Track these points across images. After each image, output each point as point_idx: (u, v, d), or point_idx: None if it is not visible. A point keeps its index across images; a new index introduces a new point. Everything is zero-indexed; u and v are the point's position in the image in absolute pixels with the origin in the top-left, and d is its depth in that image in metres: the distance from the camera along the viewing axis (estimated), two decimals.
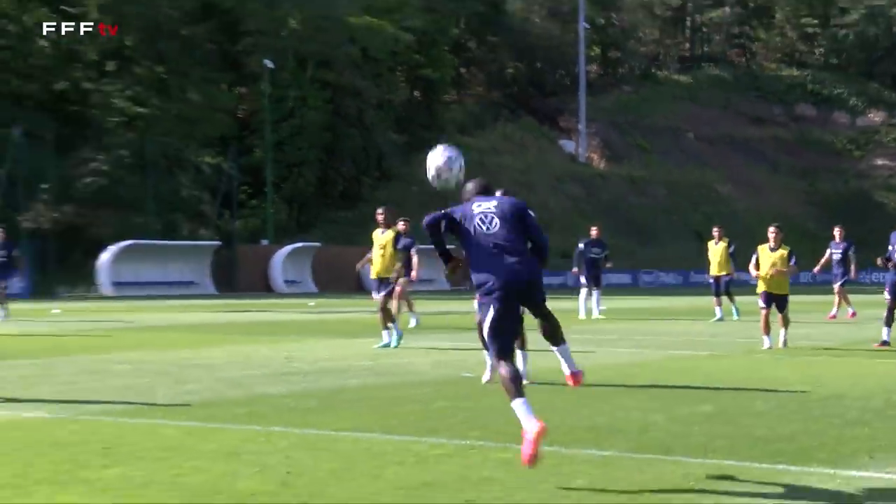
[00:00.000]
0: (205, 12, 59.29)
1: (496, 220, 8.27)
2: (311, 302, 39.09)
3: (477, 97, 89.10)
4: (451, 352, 17.95)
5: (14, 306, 30.25)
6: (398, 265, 19.58)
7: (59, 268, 50.15)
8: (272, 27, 60.39)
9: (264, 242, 56.27)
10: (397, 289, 20.43)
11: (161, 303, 39.47)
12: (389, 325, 18.77)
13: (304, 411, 11.12)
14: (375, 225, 19.30)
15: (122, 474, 7.98)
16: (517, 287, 8.16)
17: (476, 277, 8.22)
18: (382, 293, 18.70)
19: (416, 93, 75.66)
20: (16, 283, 40.72)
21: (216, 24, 60.71)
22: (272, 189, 58.06)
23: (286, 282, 51.93)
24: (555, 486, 7.60)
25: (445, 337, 21.39)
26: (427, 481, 7.72)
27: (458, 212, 8.39)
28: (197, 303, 40.00)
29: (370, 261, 19.22)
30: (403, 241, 20.57)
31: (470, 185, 8.66)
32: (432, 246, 8.63)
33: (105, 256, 47.54)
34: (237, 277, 52.87)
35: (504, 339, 8.15)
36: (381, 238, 18.97)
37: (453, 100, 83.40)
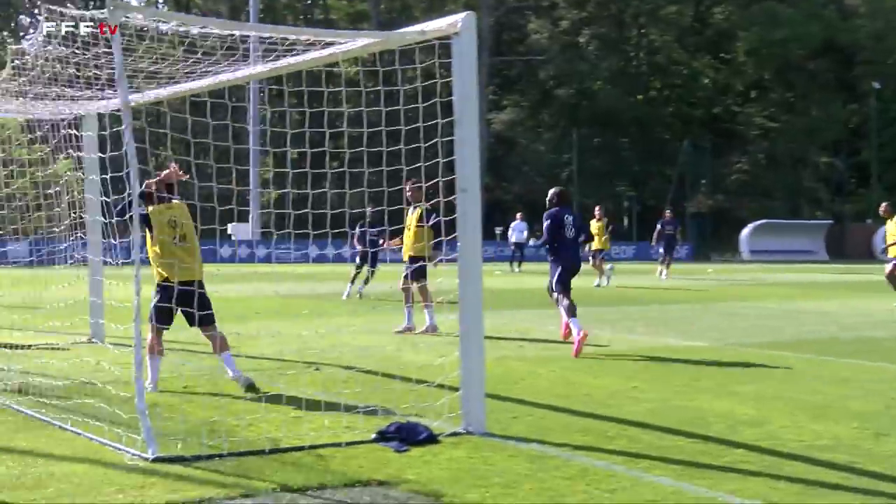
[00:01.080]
0: (825, 49, 55.84)
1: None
2: None
3: None
4: None
5: (678, 266, 30.72)
6: None
7: (713, 239, 50.39)
8: (881, 57, 55.52)
9: (868, 221, 52.15)
10: None
11: (785, 266, 37.88)
12: None
13: None
14: None
15: (756, 390, 7.72)
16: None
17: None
18: None
19: None
20: (682, 250, 41.45)
21: (835, 58, 56.94)
22: (877, 180, 53.69)
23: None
24: None
25: None
26: None
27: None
28: (813, 266, 37.92)
29: None
30: None
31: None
32: None
33: (745, 231, 46.94)
34: (846, 247, 49.74)
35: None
36: None
37: None
